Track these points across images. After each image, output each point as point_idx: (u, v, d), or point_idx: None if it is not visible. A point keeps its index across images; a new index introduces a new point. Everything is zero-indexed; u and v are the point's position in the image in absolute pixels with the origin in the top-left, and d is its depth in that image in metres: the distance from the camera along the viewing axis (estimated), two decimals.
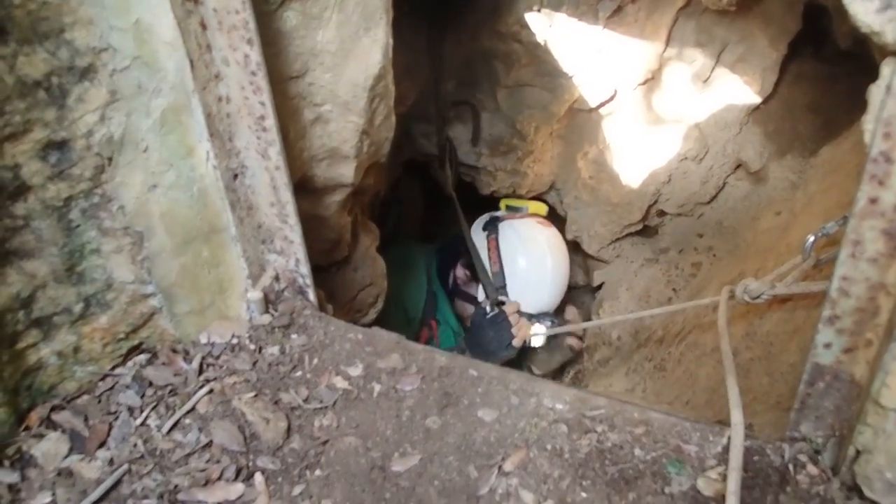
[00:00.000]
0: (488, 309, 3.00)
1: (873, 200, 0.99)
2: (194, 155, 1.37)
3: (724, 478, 1.27)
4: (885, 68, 0.93)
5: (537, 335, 2.96)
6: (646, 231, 3.45)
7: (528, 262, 3.12)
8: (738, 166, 3.10)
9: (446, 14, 2.85)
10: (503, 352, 2.84)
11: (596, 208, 3.38)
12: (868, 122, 0.97)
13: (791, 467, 1.26)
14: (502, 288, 3.06)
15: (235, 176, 1.46)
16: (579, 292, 4.07)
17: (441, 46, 2.87)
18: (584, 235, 3.46)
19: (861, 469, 1.13)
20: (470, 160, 3.26)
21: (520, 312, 2.92)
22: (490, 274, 3.09)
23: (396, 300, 3.18)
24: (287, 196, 1.49)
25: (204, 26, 1.29)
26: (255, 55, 1.31)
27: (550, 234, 3.25)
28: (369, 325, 2.26)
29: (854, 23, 0.95)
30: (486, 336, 2.86)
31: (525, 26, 2.67)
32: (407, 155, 3.27)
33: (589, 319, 3.61)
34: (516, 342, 2.84)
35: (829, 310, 1.12)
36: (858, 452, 1.13)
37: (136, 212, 1.34)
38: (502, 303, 2.98)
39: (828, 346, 1.15)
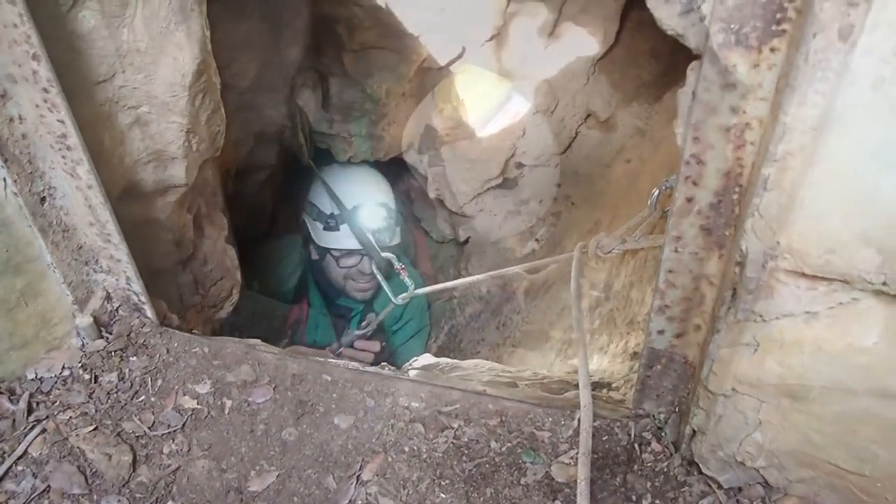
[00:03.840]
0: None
1: (689, 199, 1.01)
2: None
3: (576, 461, 1.31)
4: (691, 74, 0.93)
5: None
6: (506, 183, 3.47)
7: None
8: (589, 116, 3.15)
9: None
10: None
11: (455, 165, 3.36)
12: (679, 127, 0.97)
13: (637, 446, 1.31)
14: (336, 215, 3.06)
15: (43, 199, 1.33)
16: (447, 247, 4.08)
17: (279, 13, 2.72)
18: (447, 193, 3.45)
19: (697, 448, 1.19)
20: (322, 128, 3.16)
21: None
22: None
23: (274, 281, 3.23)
24: (106, 215, 1.38)
25: None
26: (45, 70, 1.18)
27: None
28: (224, 320, 2.18)
29: (660, 26, 0.94)
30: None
31: None
32: (257, 127, 3.12)
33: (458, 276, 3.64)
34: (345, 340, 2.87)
35: (660, 300, 1.15)
36: (694, 432, 1.18)
37: None
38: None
39: (661, 332, 1.19)
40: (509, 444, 1.36)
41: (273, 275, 3.37)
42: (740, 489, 1.19)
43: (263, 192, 3.60)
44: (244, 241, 2.82)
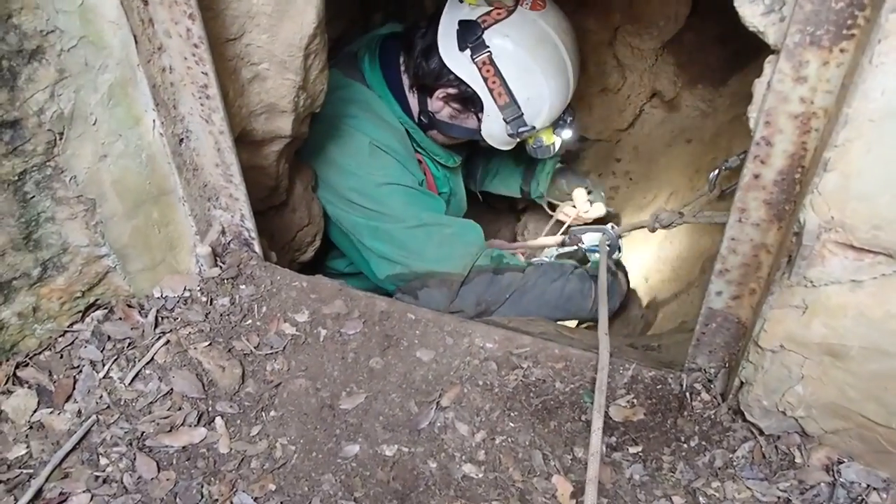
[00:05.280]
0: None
1: (756, 176, 1.15)
2: (141, 124, 1.43)
3: (631, 405, 1.48)
4: (767, 66, 1.07)
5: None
6: (568, 156, 3.61)
7: (545, 75, 2.27)
8: (654, 95, 3.27)
9: None
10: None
11: None
12: (752, 112, 1.11)
13: (688, 394, 1.46)
14: (518, 118, 2.33)
15: (181, 141, 1.53)
16: (504, 214, 4.24)
17: None
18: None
19: (744, 398, 1.34)
20: None
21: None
22: (497, 107, 2.30)
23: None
24: (231, 158, 1.57)
25: (146, 2, 1.34)
26: (198, 29, 1.36)
27: (551, 16, 2.29)
28: (307, 264, 2.38)
29: (743, 22, 1.08)
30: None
31: None
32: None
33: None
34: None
35: (721, 264, 1.30)
36: (742, 384, 1.34)
37: (88, 181, 1.40)
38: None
39: (719, 293, 1.34)
40: (572, 386, 1.53)
41: None
42: (779, 436, 1.34)
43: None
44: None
